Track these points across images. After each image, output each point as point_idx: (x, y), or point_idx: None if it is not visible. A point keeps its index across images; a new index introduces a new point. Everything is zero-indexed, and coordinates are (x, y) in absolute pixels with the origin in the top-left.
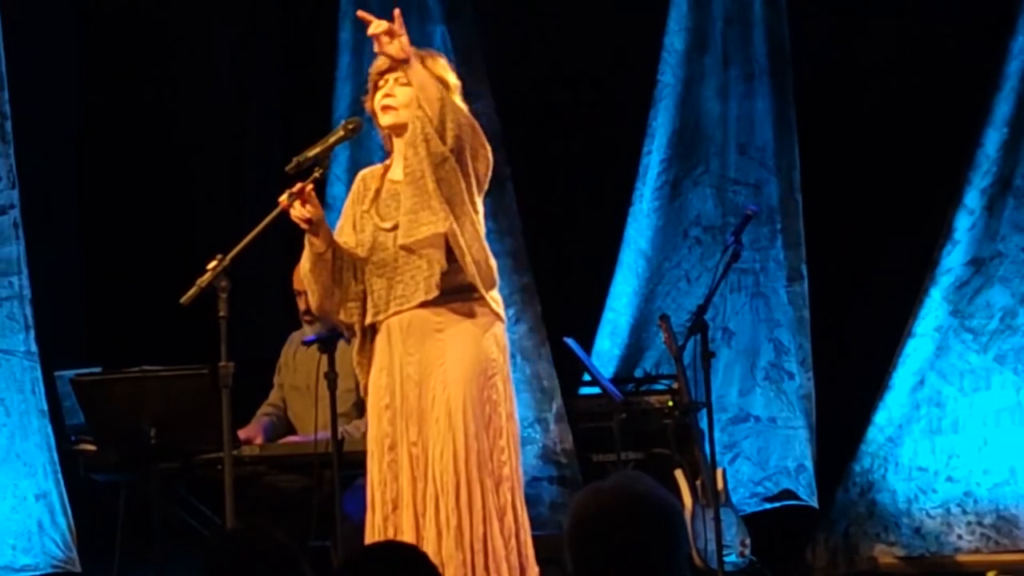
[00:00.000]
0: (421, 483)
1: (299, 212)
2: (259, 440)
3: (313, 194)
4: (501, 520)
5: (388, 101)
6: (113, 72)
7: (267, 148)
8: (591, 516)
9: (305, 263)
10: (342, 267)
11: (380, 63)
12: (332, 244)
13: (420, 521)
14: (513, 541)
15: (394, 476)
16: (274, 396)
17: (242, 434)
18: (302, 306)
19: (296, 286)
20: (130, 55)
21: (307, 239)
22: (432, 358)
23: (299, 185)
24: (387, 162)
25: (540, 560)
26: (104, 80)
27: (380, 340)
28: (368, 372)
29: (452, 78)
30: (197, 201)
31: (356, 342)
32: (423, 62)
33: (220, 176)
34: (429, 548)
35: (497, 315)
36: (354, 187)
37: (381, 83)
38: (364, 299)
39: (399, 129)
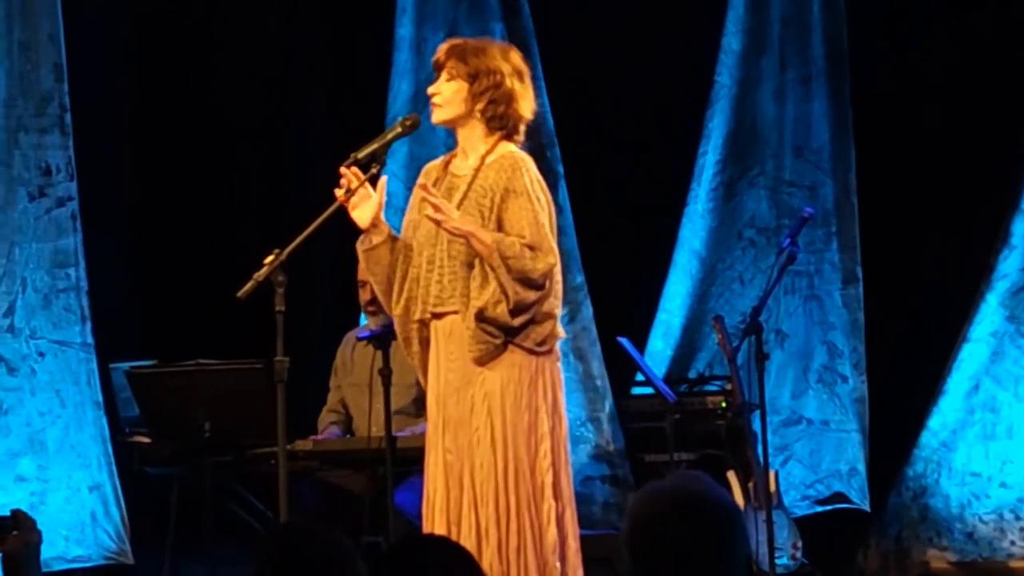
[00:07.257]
0: (456, 491)
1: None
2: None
3: (369, 187)
4: (543, 530)
5: (435, 99)
6: (165, 69)
7: (319, 143)
8: (649, 516)
9: (362, 258)
10: (397, 263)
11: (437, 55)
12: (390, 240)
13: (453, 529)
14: (559, 549)
15: (430, 479)
16: (333, 401)
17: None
18: (365, 296)
19: (360, 276)
20: (182, 52)
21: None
22: (473, 365)
23: (350, 180)
24: (451, 154)
25: (592, 559)
26: (157, 75)
27: (431, 341)
28: (425, 372)
29: (506, 67)
30: (252, 196)
31: (412, 339)
32: (466, 59)
33: (273, 172)
34: None
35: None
36: (417, 182)
37: (436, 77)
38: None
39: (448, 124)
